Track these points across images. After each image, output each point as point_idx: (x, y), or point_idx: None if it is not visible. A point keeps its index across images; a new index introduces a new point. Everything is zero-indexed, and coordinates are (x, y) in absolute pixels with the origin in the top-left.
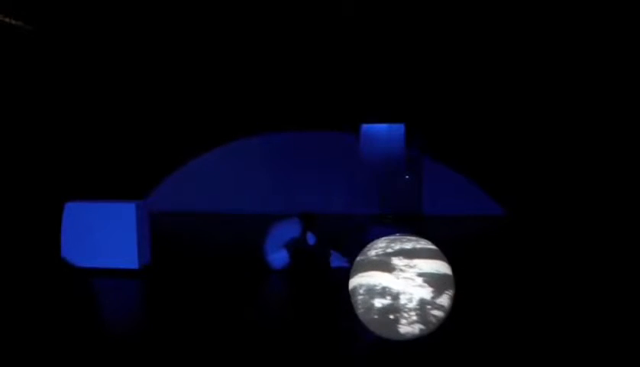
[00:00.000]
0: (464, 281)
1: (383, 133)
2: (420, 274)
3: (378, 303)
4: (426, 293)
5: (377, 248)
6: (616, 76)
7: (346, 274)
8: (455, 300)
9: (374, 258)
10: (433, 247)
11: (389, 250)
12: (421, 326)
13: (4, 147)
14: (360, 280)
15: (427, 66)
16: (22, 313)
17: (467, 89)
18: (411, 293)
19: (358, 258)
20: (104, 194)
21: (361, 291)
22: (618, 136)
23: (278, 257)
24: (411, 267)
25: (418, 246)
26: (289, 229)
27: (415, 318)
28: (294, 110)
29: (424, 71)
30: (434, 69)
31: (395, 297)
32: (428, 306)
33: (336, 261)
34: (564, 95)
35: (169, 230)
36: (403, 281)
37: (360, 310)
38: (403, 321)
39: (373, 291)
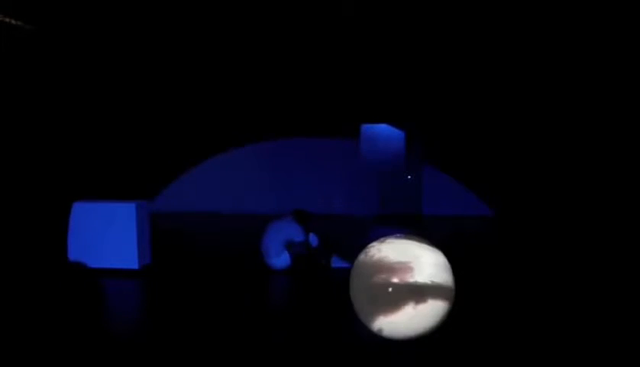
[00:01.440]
0: (464, 281)
1: (383, 133)
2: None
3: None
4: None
5: (377, 247)
6: (601, 79)
7: (346, 274)
8: (456, 299)
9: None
10: (434, 247)
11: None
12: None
13: (14, 146)
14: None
15: (424, 71)
16: (21, 312)
17: (460, 96)
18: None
19: (359, 261)
20: (113, 194)
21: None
22: (613, 140)
23: (279, 258)
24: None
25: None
26: (287, 229)
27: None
28: (294, 117)
29: (421, 76)
30: (432, 74)
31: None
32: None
33: (337, 262)
34: (555, 101)
35: (170, 230)
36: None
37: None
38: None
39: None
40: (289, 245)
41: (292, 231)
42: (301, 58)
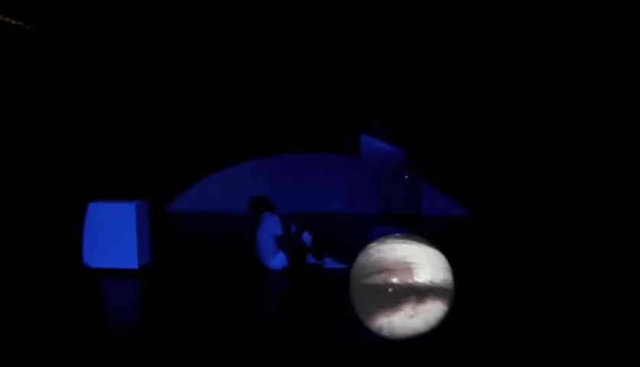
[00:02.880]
0: (464, 281)
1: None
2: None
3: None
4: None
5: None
6: (585, 84)
7: (346, 274)
8: (455, 298)
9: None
10: (433, 247)
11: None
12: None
13: (28, 147)
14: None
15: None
16: (23, 312)
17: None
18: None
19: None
20: (123, 195)
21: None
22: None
23: (276, 259)
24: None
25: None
26: (271, 225)
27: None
28: (293, 130)
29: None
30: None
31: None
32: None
33: (329, 263)
34: (542, 113)
35: (170, 230)
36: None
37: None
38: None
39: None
40: (281, 242)
41: (275, 226)
42: (301, 84)
